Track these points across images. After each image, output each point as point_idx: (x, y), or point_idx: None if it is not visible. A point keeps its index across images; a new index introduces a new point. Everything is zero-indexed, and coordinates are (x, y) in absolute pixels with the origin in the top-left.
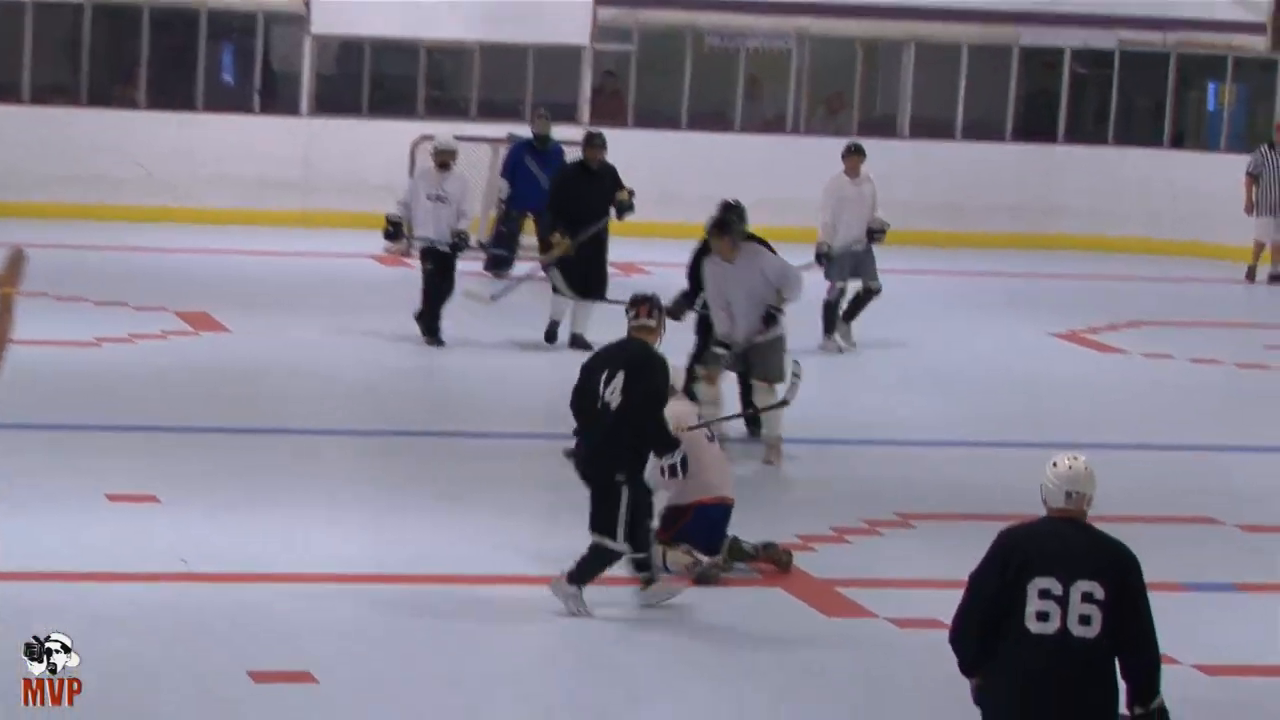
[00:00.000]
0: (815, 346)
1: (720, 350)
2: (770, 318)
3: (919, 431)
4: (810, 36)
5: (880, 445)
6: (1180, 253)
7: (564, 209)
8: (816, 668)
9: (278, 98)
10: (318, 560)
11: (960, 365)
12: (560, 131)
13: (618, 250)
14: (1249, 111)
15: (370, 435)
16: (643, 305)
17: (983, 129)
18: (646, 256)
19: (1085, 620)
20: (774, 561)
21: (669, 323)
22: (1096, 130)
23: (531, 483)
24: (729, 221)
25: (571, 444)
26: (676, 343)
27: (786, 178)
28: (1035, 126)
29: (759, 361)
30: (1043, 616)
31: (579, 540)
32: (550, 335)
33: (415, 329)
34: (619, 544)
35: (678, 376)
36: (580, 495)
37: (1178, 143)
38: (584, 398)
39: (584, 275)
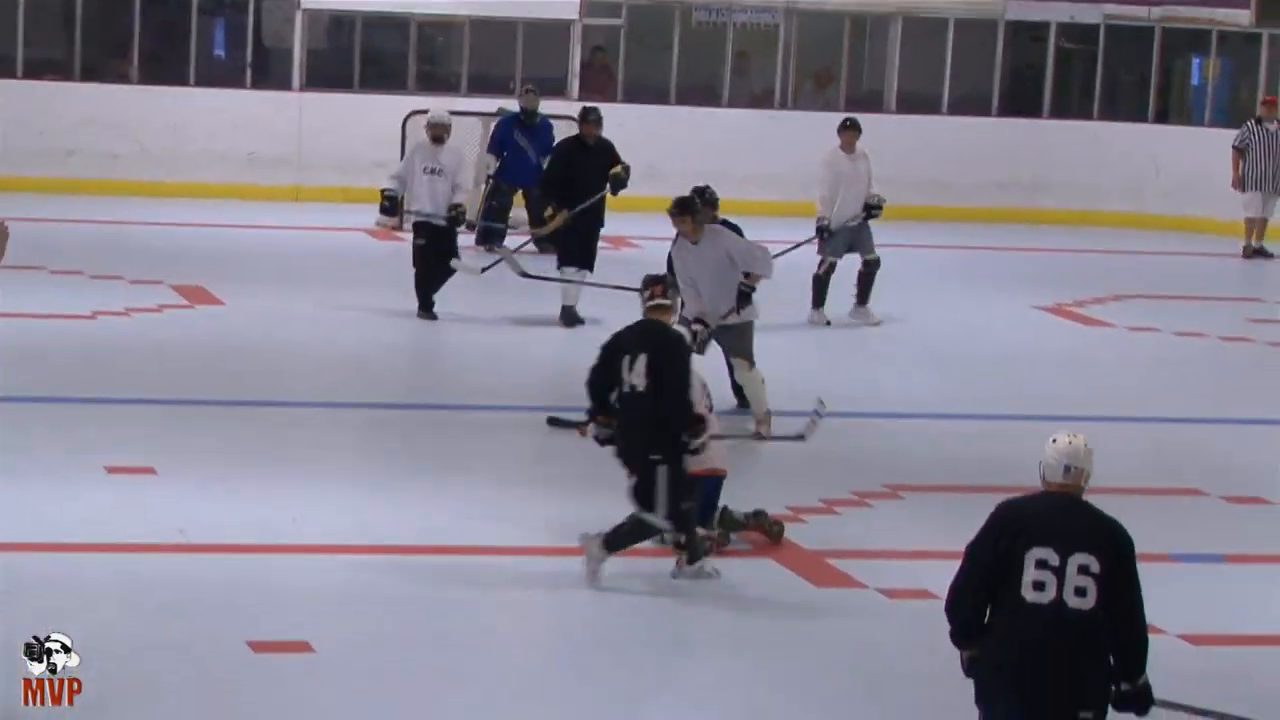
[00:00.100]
0: (804, 320)
1: (698, 327)
2: (744, 297)
3: (907, 404)
4: (798, 11)
5: (868, 418)
6: (1165, 227)
7: (560, 184)
8: (807, 637)
9: (269, 73)
10: (314, 531)
11: (947, 339)
12: (550, 106)
13: (606, 225)
14: (1233, 86)
15: (364, 408)
16: (656, 285)
17: (969, 103)
18: (635, 231)
19: (1081, 592)
20: (764, 531)
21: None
22: (1082, 105)
23: (524, 455)
24: (690, 202)
25: (554, 413)
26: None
27: (775, 152)
28: (1021, 101)
29: (733, 342)
30: (1039, 586)
31: (570, 510)
32: (571, 320)
33: (409, 302)
34: (659, 520)
35: None
36: (572, 465)
37: (1162, 117)
38: (603, 379)
39: (579, 247)
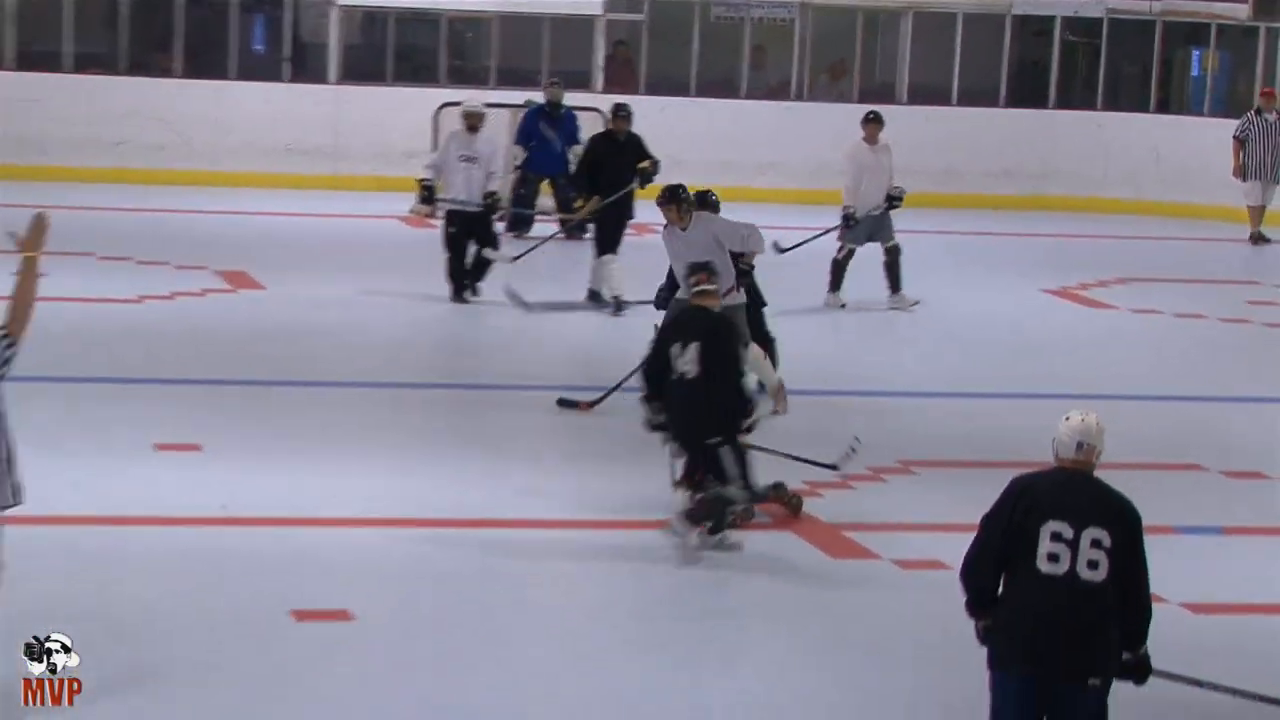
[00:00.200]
0: (822, 304)
1: None
2: (745, 275)
3: (919, 383)
4: (812, 6)
5: (883, 396)
6: (1166, 213)
7: (592, 178)
8: (824, 605)
9: (306, 67)
10: (353, 505)
11: (957, 321)
12: (575, 98)
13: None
14: (1231, 78)
15: (399, 388)
16: (702, 272)
17: (977, 95)
18: (657, 218)
19: (1093, 565)
20: (784, 504)
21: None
22: (1086, 96)
23: (555, 432)
24: (676, 191)
25: (564, 394)
26: None
27: (790, 142)
28: (1027, 92)
29: None
30: (1053, 558)
31: (602, 485)
32: (617, 306)
33: (443, 287)
34: (737, 492)
35: None
36: (604, 442)
37: (1163, 107)
38: (657, 367)
39: (609, 236)
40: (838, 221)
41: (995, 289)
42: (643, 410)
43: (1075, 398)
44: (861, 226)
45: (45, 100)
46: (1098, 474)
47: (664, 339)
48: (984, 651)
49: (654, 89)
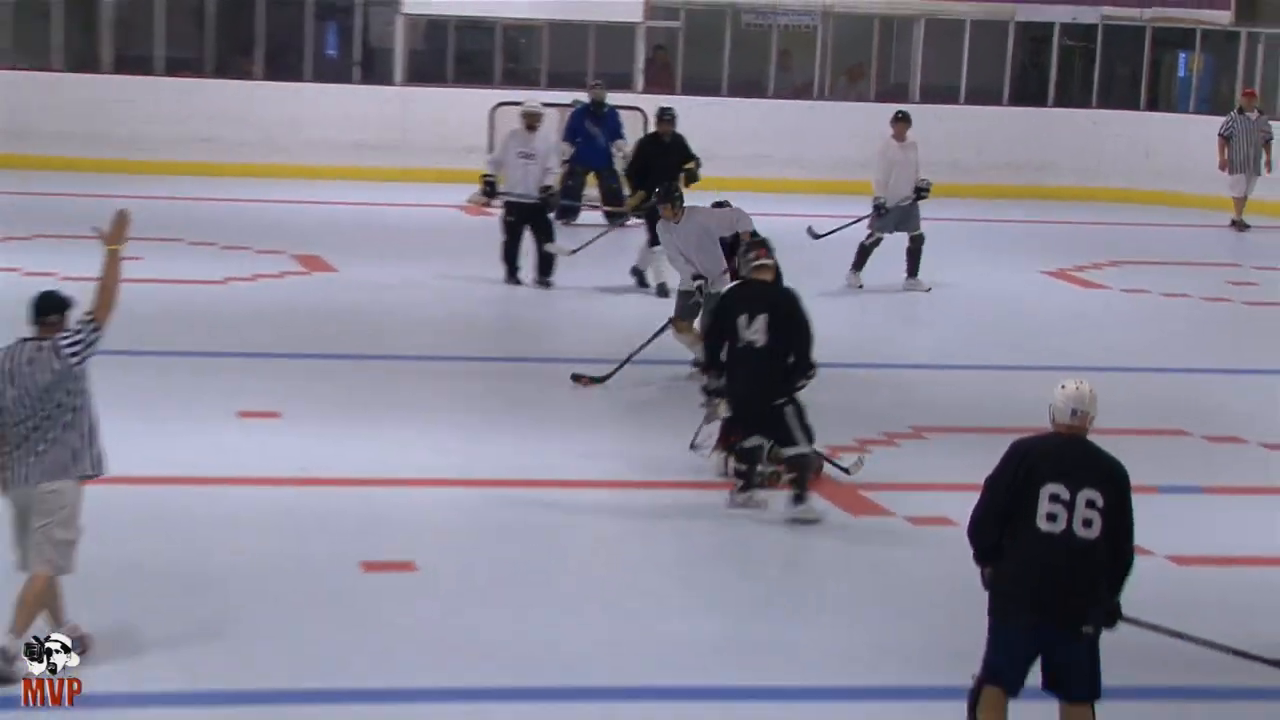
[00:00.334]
0: (842, 282)
1: (700, 282)
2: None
3: (930, 356)
4: (834, 14)
5: (896, 368)
6: (1154, 202)
7: (641, 177)
8: (842, 558)
9: (375, 70)
10: (417, 466)
11: (965, 300)
12: (617, 98)
13: None
14: (1214, 79)
15: (460, 360)
16: (760, 248)
17: (983, 94)
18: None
19: (1088, 524)
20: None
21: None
22: (1082, 95)
23: (603, 401)
24: (669, 190)
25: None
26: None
27: (813, 138)
28: (1029, 92)
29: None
30: (1052, 518)
31: (647, 448)
32: (661, 291)
33: (499, 269)
34: (806, 445)
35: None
36: (647, 410)
37: (1153, 106)
38: (719, 338)
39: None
40: (869, 211)
41: (999, 271)
42: (705, 378)
43: (1071, 369)
44: (890, 216)
45: (139, 101)
46: (1090, 437)
47: (726, 311)
48: (986, 601)
49: (689, 90)
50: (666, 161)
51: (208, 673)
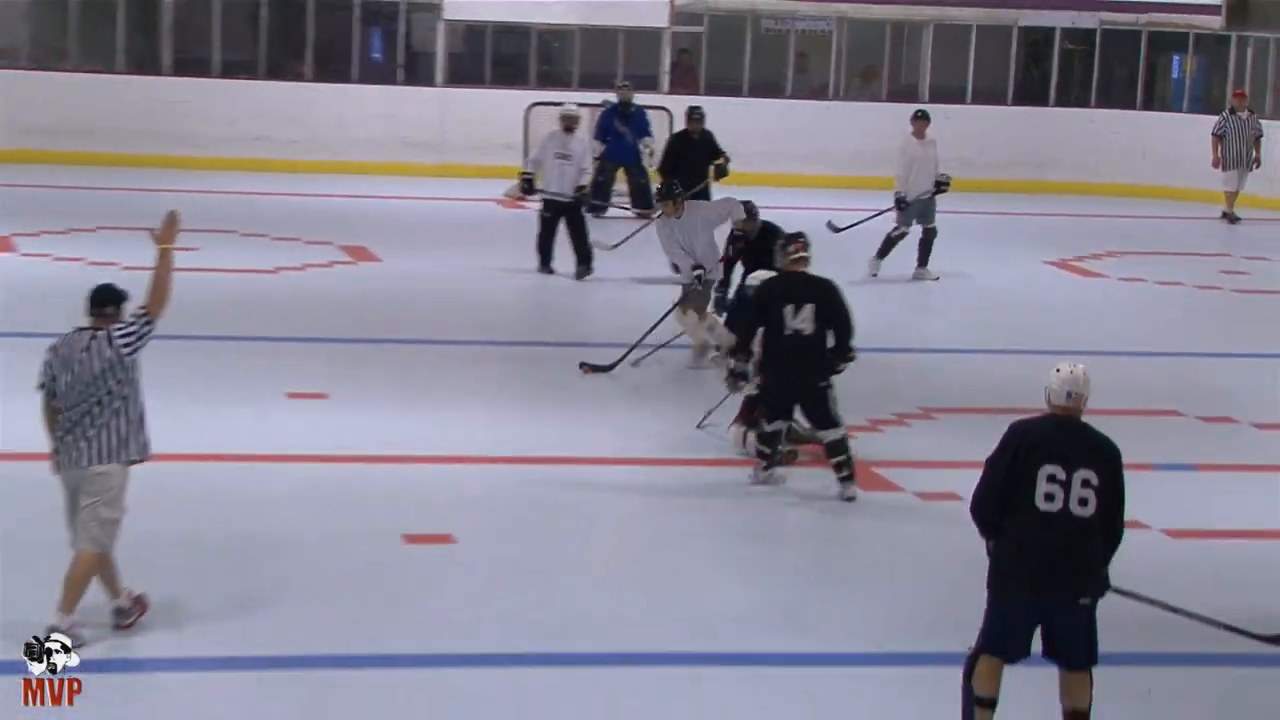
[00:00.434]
0: (858, 276)
1: (699, 272)
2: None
3: (938, 341)
4: (848, 19)
5: (906, 352)
6: (1150, 195)
7: (671, 170)
8: (855, 530)
9: (417, 72)
10: (457, 444)
11: (971, 288)
12: (645, 98)
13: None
14: (1207, 80)
15: (496, 345)
16: (798, 241)
17: (988, 95)
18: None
19: (1083, 502)
20: (817, 442)
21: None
22: (1081, 95)
23: (630, 384)
24: (671, 188)
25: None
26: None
27: (828, 136)
28: (1031, 93)
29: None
30: (1049, 497)
31: (670, 427)
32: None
33: (532, 260)
34: (843, 427)
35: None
36: (670, 392)
37: (1148, 105)
38: (756, 326)
39: None
40: (886, 205)
41: (1004, 261)
42: (730, 361)
43: (1072, 354)
44: (912, 209)
45: (196, 101)
46: (1087, 417)
47: (768, 301)
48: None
49: (712, 91)
50: (696, 158)
51: (256, 639)
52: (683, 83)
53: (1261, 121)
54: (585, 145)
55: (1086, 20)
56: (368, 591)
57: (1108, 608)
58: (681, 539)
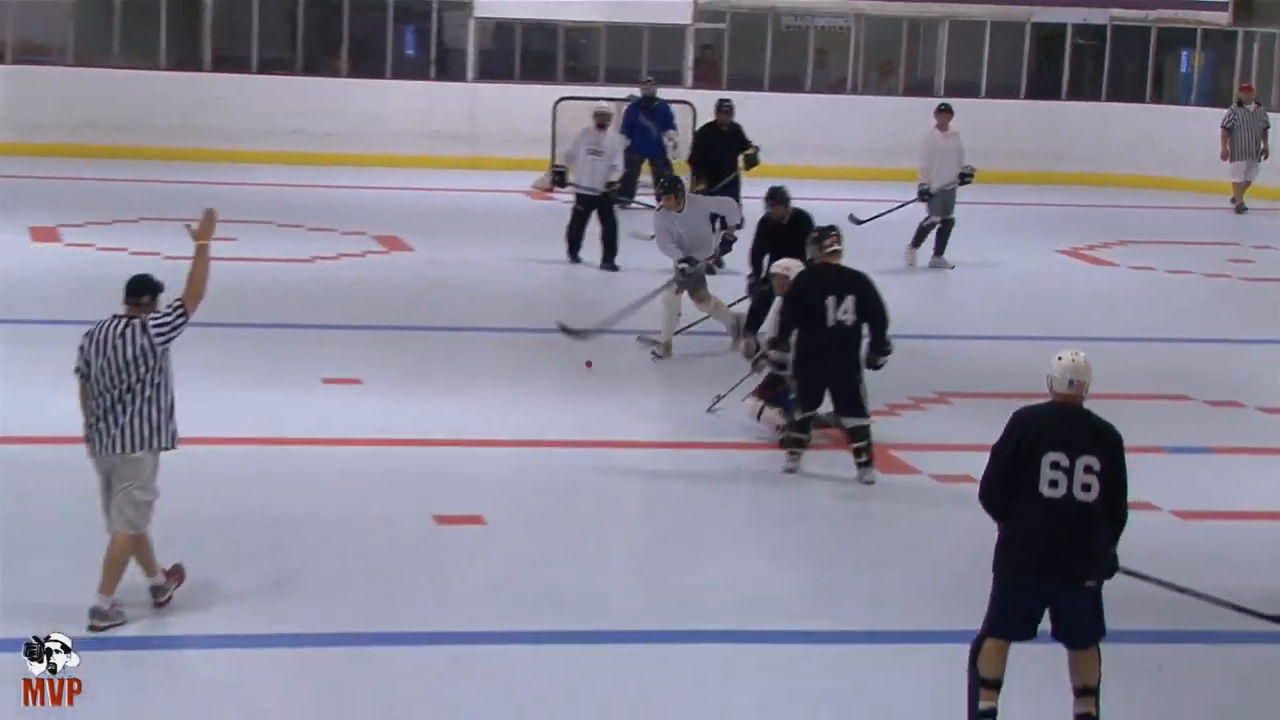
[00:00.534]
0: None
1: (684, 265)
2: (727, 245)
3: (954, 328)
4: (866, 16)
5: (922, 339)
6: (1159, 186)
7: (701, 163)
8: (874, 512)
9: (448, 68)
10: (486, 428)
11: (985, 276)
12: (669, 93)
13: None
14: (1214, 74)
15: (526, 332)
16: (833, 234)
17: (1002, 89)
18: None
19: (1086, 488)
20: (842, 428)
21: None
22: (1092, 90)
23: (654, 369)
24: (675, 182)
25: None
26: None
27: (846, 129)
28: (1044, 87)
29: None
30: (1054, 484)
31: (694, 410)
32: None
33: (560, 250)
34: (869, 416)
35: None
36: (695, 376)
37: (1157, 99)
38: (802, 317)
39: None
40: (907, 198)
41: (1017, 250)
42: (771, 353)
43: (1083, 340)
44: (938, 199)
45: (235, 96)
46: (1101, 402)
47: (813, 296)
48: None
49: (734, 85)
50: (724, 149)
51: (292, 618)
52: (705, 78)
53: (1269, 114)
54: (617, 141)
55: (1097, 16)
56: (400, 571)
57: (1119, 587)
58: (705, 521)
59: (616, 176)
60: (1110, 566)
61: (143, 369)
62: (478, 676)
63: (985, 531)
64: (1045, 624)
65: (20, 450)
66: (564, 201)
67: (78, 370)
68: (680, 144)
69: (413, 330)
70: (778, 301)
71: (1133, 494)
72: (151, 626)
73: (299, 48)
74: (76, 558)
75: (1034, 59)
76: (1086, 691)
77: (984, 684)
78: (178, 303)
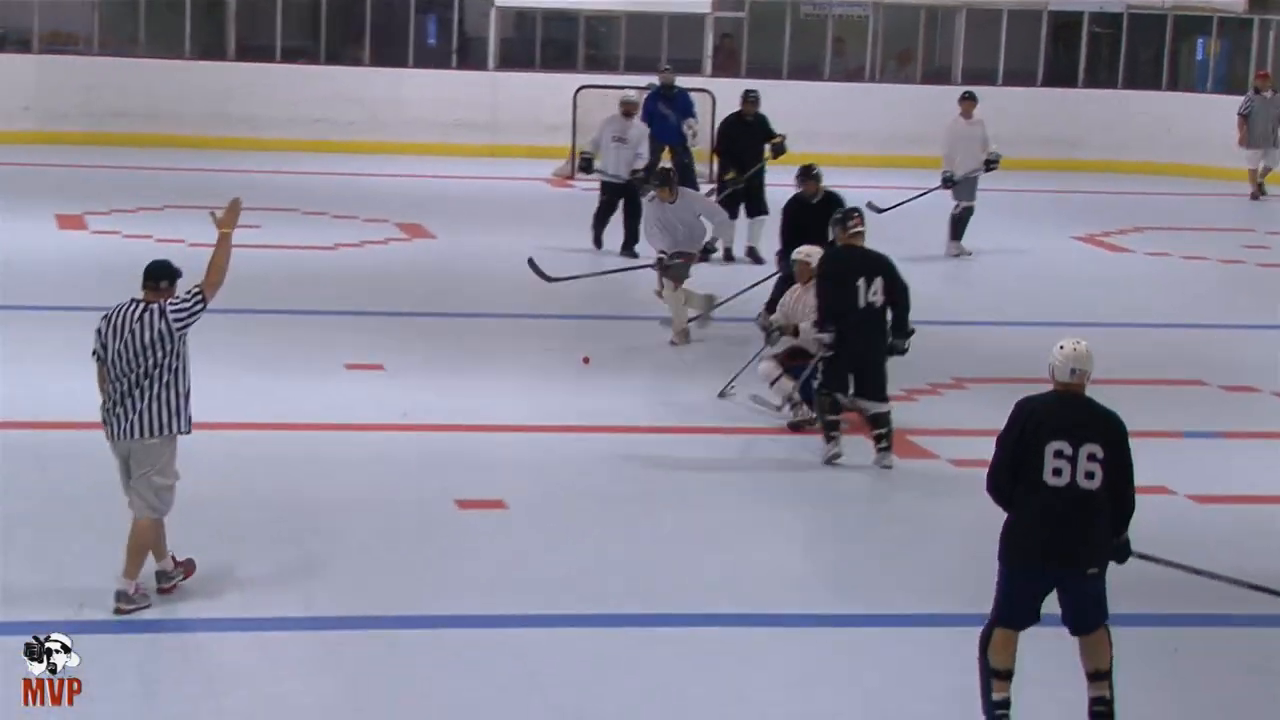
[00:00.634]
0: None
1: (670, 260)
2: (708, 251)
3: (971, 313)
4: (884, 5)
5: (939, 324)
6: (1175, 173)
7: (728, 153)
8: (892, 495)
9: (470, 57)
10: (509, 414)
11: (1002, 262)
12: (688, 81)
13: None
14: (1230, 62)
15: (548, 318)
16: (857, 216)
17: (1019, 76)
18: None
19: (1090, 475)
20: (860, 412)
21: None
22: (1109, 77)
23: (676, 354)
24: (668, 173)
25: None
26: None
27: (865, 117)
28: (1061, 74)
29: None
30: (1057, 472)
31: (705, 395)
32: (727, 255)
33: (583, 238)
34: (889, 402)
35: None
36: (714, 362)
37: (1173, 86)
38: (839, 300)
39: (751, 200)
40: (927, 185)
41: (1034, 236)
42: (824, 336)
43: (1099, 326)
44: (963, 186)
45: (259, 85)
46: (1117, 387)
47: (844, 275)
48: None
49: (753, 74)
50: (749, 139)
51: (317, 599)
52: (725, 66)
53: None
54: (642, 130)
55: (1114, 4)
56: (422, 555)
57: (1133, 572)
58: (724, 504)
59: (641, 165)
60: (1124, 552)
61: (160, 353)
62: (498, 659)
63: (1002, 516)
64: (1054, 610)
65: (47, 435)
66: (584, 189)
67: (95, 354)
68: (700, 132)
69: (434, 316)
70: (797, 288)
71: (1148, 478)
72: (175, 610)
73: (322, 37)
74: (105, 540)
75: (1051, 46)
76: (1099, 675)
77: (995, 675)
78: (196, 289)
